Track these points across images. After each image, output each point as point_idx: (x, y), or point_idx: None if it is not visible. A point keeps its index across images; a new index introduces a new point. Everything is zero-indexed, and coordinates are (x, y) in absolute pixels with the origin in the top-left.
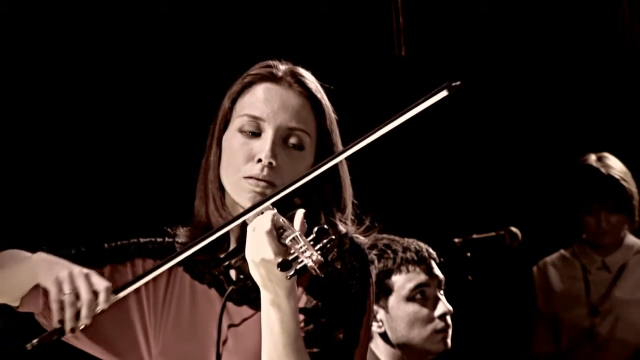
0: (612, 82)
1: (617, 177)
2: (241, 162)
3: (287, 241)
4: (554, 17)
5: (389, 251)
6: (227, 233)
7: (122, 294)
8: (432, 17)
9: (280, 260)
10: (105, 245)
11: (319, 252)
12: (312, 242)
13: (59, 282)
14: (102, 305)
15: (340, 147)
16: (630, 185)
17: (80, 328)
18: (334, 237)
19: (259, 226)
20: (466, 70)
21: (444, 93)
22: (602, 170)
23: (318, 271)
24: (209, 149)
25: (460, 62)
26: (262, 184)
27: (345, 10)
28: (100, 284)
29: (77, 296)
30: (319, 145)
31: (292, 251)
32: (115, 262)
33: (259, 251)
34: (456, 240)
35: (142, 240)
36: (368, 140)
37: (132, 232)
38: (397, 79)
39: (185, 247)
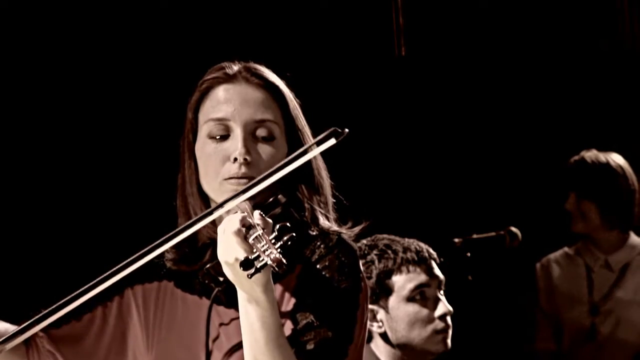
0: (612, 82)
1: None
2: (218, 166)
3: (251, 240)
4: (553, 17)
5: (390, 251)
6: (210, 241)
7: (8, 346)
8: (432, 17)
9: (242, 259)
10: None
11: (278, 249)
12: (273, 240)
13: None
14: None
15: (307, 132)
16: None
17: None
18: (294, 234)
19: (228, 227)
20: (466, 70)
21: (332, 141)
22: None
23: (277, 269)
24: (183, 163)
25: (460, 62)
26: (243, 181)
27: (345, 10)
28: None
29: None
30: (288, 133)
31: (254, 250)
32: (104, 301)
33: (230, 252)
34: (456, 240)
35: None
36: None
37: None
38: (397, 79)
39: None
